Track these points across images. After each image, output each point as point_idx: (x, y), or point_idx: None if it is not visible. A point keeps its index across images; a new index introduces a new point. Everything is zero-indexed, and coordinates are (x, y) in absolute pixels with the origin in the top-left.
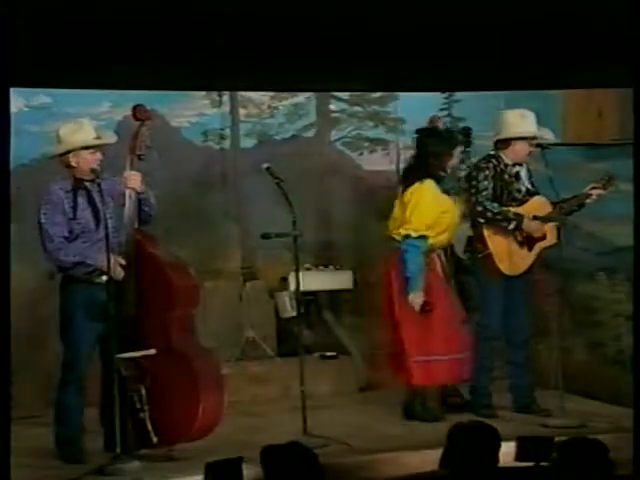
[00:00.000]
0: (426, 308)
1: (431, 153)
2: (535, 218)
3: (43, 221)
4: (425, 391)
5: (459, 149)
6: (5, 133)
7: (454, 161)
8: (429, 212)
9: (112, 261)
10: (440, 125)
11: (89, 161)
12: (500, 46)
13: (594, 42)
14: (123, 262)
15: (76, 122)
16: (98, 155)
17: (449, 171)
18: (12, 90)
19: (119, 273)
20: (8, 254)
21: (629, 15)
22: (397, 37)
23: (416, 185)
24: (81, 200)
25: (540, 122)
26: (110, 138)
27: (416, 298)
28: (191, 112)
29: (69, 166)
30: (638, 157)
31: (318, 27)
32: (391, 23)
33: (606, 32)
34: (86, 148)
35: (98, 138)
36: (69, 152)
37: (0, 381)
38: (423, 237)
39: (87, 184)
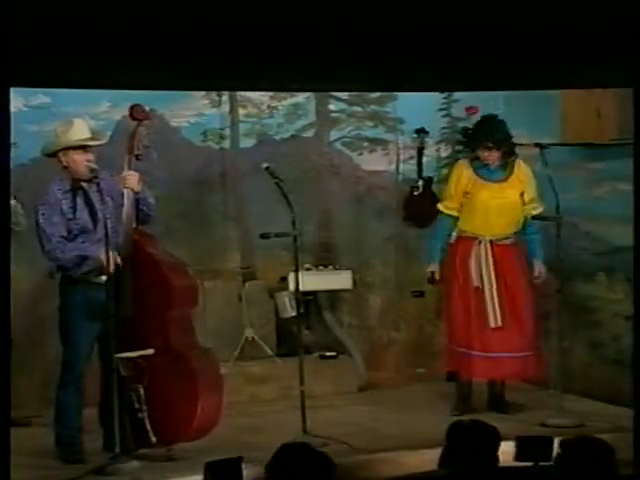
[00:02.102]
0: (431, 280)
1: (471, 137)
2: (534, 218)
3: (41, 221)
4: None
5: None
6: (5, 133)
7: (493, 154)
8: (452, 189)
9: (111, 257)
10: (475, 115)
11: (78, 161)
12: (499, 46)
13: (593, 42)
14: (119, 260)
15: (66, 122)
16: (89, 155)
17: (490, 160)
18: (11, 90)
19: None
20: (8, 254)
21: (629, 15)
22: (396, 37)
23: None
24: (79, 200)
25: (539, 122)
26: (99, 139)
27: (429, 269)
28: (190, 112)
29: (65, 166)
30: (638, 157)
31: (317, 27)
32: (390, 23)
33: (606, 32)
34: (73, 148)
35: (92, 139)
36: (57, 152)
37: (0, 381)
38: (446, 214)
39: (84, 184)
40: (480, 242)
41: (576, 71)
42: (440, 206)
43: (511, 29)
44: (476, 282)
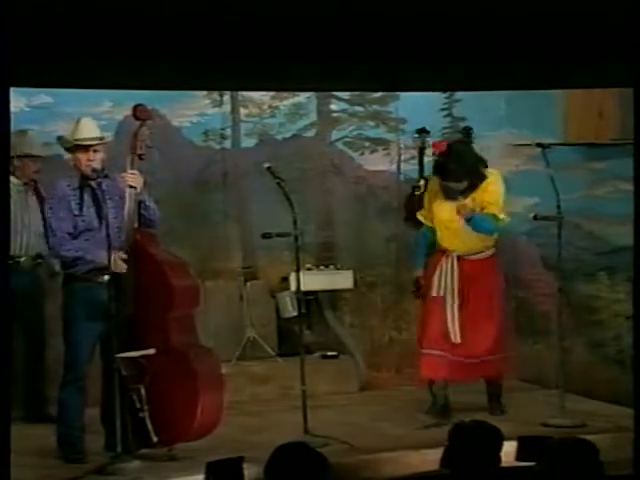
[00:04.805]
0: (417, 286)
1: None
2: (535, 217)
3: (48, 215)
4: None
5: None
6: (5, 133)
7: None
8: (425, 200)
9: (113, 257)
10: (440, 150)
11: (81, 160)
12: (501, 46)
13: (595, 41)
14: (125, 256)
15: (75, 121)
16: (90, 155)
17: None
18: (13, 90)
19: (121, 266)
20: (8, 254)
21: (630, 14)
22: (398, 37)
23: None
24: (86, 197)
25: (541, 122)
26: (99, 139)
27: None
28: (192, 112)
29: (75, 164)
30: (638, 157)
31: (318, 26)
32: (392, 22)
33: (607, 31)
34: (77, 147)
35: (91, 138)
36: (67, 150)
37: (0, 381)
38: (424, 225)
39: (92, 182)
40: (448, 256)
41: (577, 71)
42: (419, 215)
43: (512, 29)
44: (434, 293)
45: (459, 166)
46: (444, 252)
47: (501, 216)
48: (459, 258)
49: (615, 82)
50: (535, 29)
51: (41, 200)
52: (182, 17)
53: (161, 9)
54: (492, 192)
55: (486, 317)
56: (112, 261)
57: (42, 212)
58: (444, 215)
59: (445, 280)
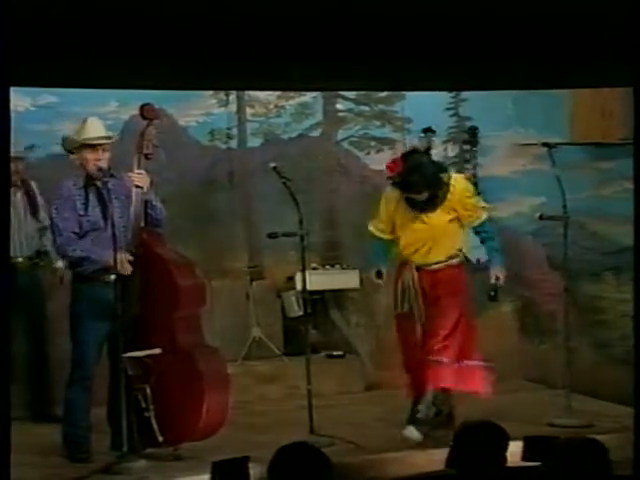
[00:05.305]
0: (378, 275)
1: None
2: (540, 217)
3: (54, 215)
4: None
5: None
6: (5, 133)
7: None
8: (382, 210)
9: (120, 257)
10: (396, 170)
11: (88, 160)
12: (507, 45)
13: (595, 41)
14: (131, 258)
15: (81, 120)
16: (98, 154)
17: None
18: (19, 89)
19: (127, 268)
20: (8, 253)
21: (630, 14)
22: (403, 36)
23: None
24: (92, 197)
25: (548, 122)
26: (106, 138)
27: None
28: (198, 111)
29: (81, 164)
30: (638, 157)
31: (324, 26)
32: (397, 22)
33: (607, 31)
34: (84, 147)
35: (98, 138)
36: (72, 150)
37: (0, 381)
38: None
39: (98, 182)
40: (409, 268)
41: (577, 71)
42: (371, 227)
43: (518, 28)
44: (399, 309)
45: (420, 177)
46: (405, 264)
47: (480, 214)
48: (419, 269)
49: (615, 82)
50: (536, 29)
51: (32, 200)
52: (187, 16)
53: (165, 8)
54: (458, 198)
55: (458, 332)
56: (118, 262)
57: (34, 213)
58: (412, 225)
59: (409, 293)
